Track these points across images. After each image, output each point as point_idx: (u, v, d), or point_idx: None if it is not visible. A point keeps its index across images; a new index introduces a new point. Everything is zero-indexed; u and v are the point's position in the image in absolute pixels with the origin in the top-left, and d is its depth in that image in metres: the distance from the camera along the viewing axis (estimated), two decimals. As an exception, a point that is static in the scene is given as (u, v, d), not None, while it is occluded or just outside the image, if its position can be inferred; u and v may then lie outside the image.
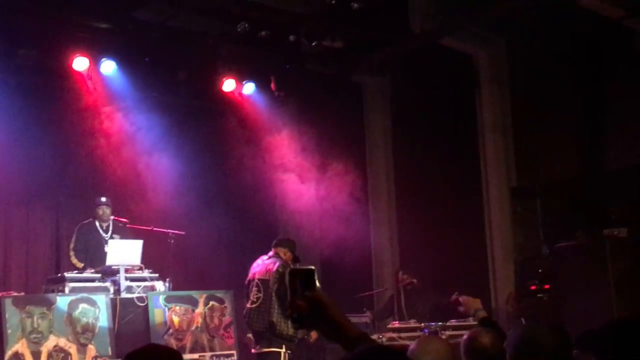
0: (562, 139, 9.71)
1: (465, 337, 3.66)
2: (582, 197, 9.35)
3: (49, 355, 7.67)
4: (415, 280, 9.74)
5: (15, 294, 8.13)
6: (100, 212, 9.08)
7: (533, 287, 9.08)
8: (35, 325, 7.71)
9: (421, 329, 7.89)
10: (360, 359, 1.88)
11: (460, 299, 4.61)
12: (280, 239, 8.44)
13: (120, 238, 8.96)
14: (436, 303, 9.29)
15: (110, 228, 9.12)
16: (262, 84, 10.65)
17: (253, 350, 7.90)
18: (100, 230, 9.08)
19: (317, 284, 2.16)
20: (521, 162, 10.08)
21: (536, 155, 9.97)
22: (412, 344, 3.46)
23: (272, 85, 10.68)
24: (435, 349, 3.43)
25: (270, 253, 7.92)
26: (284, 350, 7.58)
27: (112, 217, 9.15)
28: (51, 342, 7.72)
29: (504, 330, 4.14)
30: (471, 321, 6.31)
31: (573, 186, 9.50)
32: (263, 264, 7.84)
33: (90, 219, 9.14)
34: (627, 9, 8.60)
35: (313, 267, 2.17)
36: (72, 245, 9.03)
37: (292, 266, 7.67)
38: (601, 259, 8.25)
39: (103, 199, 9.12)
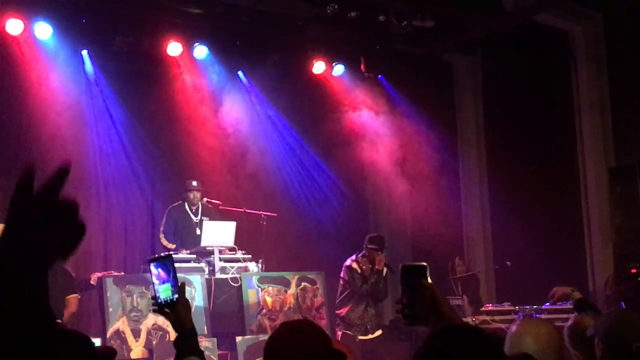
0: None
1: (569, 323, 3.66)
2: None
3: (148, 333, 7.91)
4: (476, 272, 9.88)
5: (115, 273, 8.41)
6: (192, 196, 9.23)
7: (633, 270, 8.77)
8: (135, 304, 7.96)
9: (515, 312, 7.76)
10: (449, 338, 1.80)
11: (555, 289, 4.95)
12: None
13: (209, 220, 9.12)
14: None
15: (200, 210, 9.28)
16: (352, 66, 10.60)
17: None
18: (190, 213, 9.25)
19: (429, 280, 2.19)
20: (620, 140, 9.72)
21: (636, 133, 9.59)
22: (513, 326, 3.47)
23: (362, 67, 10.62)
24: (536, 331, 3.41)
25: None
26: None
27: (204, 200, 9.30)
28: (150, 320, 7.95)
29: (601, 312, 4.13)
30: (566, 306, 6.25)
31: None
32: None
33: (180, 202, 9.33)
34: None
35: (425, 264, 2.21)
36: (161, 228, 9.23)
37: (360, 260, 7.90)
38: None
39: (194, 184, 9.27)
